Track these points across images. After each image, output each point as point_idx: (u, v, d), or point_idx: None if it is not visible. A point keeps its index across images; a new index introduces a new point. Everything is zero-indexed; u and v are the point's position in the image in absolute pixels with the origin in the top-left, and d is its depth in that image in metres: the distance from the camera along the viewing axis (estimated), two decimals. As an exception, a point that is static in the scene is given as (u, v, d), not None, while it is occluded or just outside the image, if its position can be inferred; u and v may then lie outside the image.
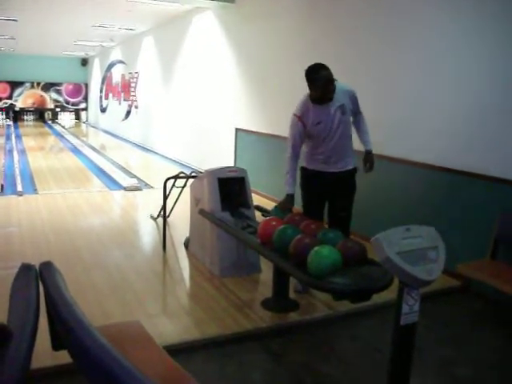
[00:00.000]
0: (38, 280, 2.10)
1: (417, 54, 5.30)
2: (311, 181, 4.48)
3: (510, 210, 4.40)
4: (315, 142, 4.33)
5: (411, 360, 2.72)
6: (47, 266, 2.16)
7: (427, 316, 3.12)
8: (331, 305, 4.09)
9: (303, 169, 4.51)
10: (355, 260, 3.27)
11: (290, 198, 4.34)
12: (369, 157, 4.43)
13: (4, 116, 25.16)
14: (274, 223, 3.81)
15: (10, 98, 25.26)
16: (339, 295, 3.10)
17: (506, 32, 4.40)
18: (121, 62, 19.09)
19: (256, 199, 5.75)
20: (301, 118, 4.23)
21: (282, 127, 7.59)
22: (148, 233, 6.60)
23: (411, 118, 5.39)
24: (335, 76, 4.14)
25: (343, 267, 3.16)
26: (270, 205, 6.54)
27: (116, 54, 19.80)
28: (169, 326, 3.86)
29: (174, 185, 6.16)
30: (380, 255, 2.58)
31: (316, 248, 3.20)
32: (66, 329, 1.84)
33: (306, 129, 4.24)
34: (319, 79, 4.10)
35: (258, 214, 5.02)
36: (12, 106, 25.40)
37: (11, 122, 24.32)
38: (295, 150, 4.31)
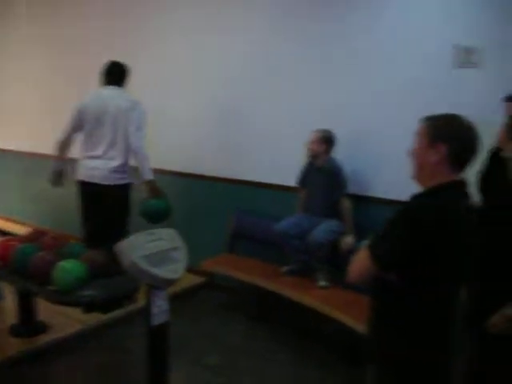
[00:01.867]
0: None
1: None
2: None
3: (240, 208, 4.86)
4: None
5: (167, 356, 2.84)
6: None
7: (177, 314, 3.27)
8: (83, 320, 4.00)
9: None
10: (102, 271, 3.26)
11: None
12: None
13: None
14: (11, 243, 3.59)
15: None
16: (88, 308, 3.07)
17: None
18: None
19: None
20: None
21: (13, 140, 7.20)
22: None
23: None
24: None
25: (90, 279, 3.13)
26: (5, 226, 6.13)
27: None
28: None
29: None
30: (125, 261, 2.65)
31: (60, 263, 3.11)
32: None
33: None
34: None
35: None
36: None
37: None
38: None
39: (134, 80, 4.56)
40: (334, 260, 4.04)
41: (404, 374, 1.81)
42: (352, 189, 4.10)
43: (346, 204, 4.06)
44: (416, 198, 1.76)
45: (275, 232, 4.21)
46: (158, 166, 5.41)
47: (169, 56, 5.33)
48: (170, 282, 2.75)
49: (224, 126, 4.97)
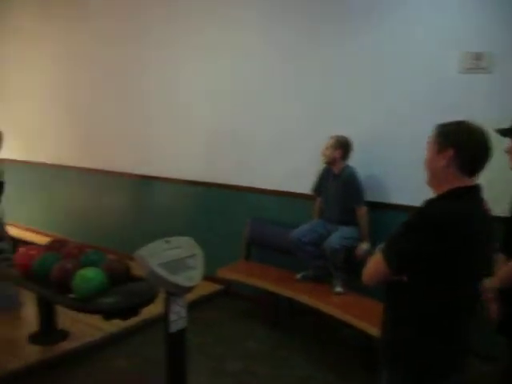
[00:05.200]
0: None
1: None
2: None
3: (256, 216, 4.90)
4: None
5: (185, 363, 2.88)
6: None
7: (195, 321, 3.32)
8: (102, 327, 4.06)
9: None
10: (121, 279, 3.32)
11: None
12: None
13: None
14: (32, 252, 3.65)
15: None
16: (108, 315, 3.12)
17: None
18: None
19: (12, 231, 5.41)
20: None
21: (33, 152, 7.32)
22: None
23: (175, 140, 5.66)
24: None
25: (110, 287, 3.19)
26: (27, 235, 6.24)
27: None
28: None
29: None
30: (144, 269, 2.70)
31: (80, 271, 3.17)
32: None
33: None
34: None
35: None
36: None
37: None
38: None
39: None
40: (350, 266, 4.06)
41: (418, 374, 1.83)
42: (367, 195, 4.12)
43: (362, 211, 4.08)
44: (431, 203, 1.78)
45: (290, 239, 4.24)
46: (175, 176, 5.52)
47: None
48: (187, 290, 2.79)
49: (238, 135, 5.02)
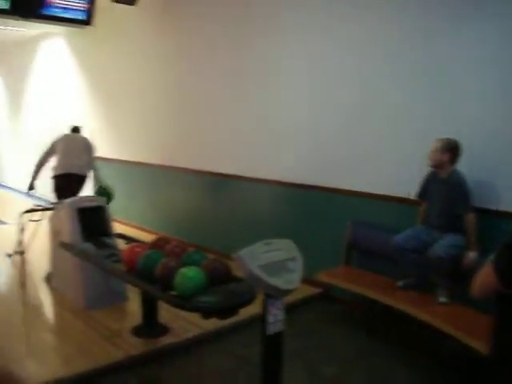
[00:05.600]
0: None
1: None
2: None
3: (357, 219, 4.79)
4: None
5: (281, 365, 2.87)
6: None
7: (293, 324, 3.30)
8: (201, 324, 4.14)
9: None
10: (220, 278, 3.37)
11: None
12: None
13: None
14: (138, 249, 3.81)
15: None
16: (207, 313, 3.17)
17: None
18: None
19: (118, 228, 5.67)
20: None
21: (141, 153, 7.64)
22: (3, 272, 6.21)
23: (275, 141, 5.69)
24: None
25: (209, 286, 3.24)
26: (132, 232, 6.50)
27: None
28: (36, 366, 3.68)
29: (30, 218, 5.88)
30: (243, 270, 2.71)
31: (181, 270, 3.25)
32: None
33: None
34: None
35: (121, 242, 4.94)
36: None
37: None
38: None
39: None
40: (456, 276, 3.87)
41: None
42: (475, 201, 3.91)
43: (470, 218, 3.87)
44: None
45: (392, 245, 4.11)
46: (276, 178, 5.53)
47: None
48: (286, 292, 2.77)
49: (342, 138, 4.94)
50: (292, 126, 5.38)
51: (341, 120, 4.95)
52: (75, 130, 6.74)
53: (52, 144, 6.43)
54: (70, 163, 6.31)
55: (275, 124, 5.56)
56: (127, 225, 7.69)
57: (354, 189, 4.84)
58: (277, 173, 5.56)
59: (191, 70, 6.61)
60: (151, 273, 3.47)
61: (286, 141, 5.45)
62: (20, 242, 5.60)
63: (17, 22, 7.57)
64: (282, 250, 2.86)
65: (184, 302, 3.17)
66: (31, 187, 6.39)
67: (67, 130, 6.74)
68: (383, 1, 4.53)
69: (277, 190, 5.58)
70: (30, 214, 5.79)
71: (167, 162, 7.13)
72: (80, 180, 6.45)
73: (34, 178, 6.36)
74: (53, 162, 6.45)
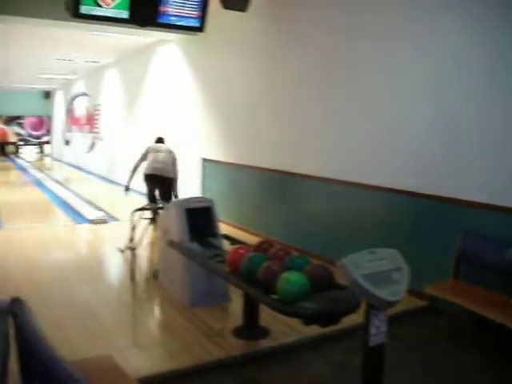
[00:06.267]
0: (8, 316, 2.09)
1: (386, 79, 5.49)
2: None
3: (469, 230, 4.55)
4: None
5: (382, 378, 2.78)
6: (17, 303, 2.16)
7: (395, 337, 3.19)
8: (301, 330, 4.12)
9: None
10: (323, 285, 3.33)
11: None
12: None
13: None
14: (242, 251, 3.86)
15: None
16: (308, 320, 3.15)
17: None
18: (84, 94, 19.04)
19: (224, 228, 5.79)
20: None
21: (249, 156, 7.76)
22: (116, 265, 6.55)
23: (379, 144, 5.56)
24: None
25: (312, 292, 3.22)
26: (237, 234, 6.62)
27: (79, 87, 19.74)
28: (140, 358, 3.84)
29: (141, 216, 6.18)
30: (346, 278, 2.67)
31: (284, 274, 3.26)
32: (37, 363, 1.84)
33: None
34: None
35: (226, 243, 5.04)
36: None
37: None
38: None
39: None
40: None
41: None
42: None
43: None
44: None
45: (507, 259, 3.88)
46: (382, 184, 5.39)
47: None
48: (390, 304, 2.69)
49: (450, 143, 4.73)
50: (404, 131, 5.22)
51: (435, 120, 4.76)
52: (160, 140, 8.18)
53: (146, 150, 7.80)
54: (155, 167, 7.57)
55: (382, 128, 5.43)
56: (233, 226, 7.85)
57: (465, 197, 4.59)
58: (383, 179, 5.41)
59: (305, 76, 6.59)
60: (254, 275, 3.51)
61: (395, 146, 5.30)
62: (131, 239, 5.88)
63: (135, 30, 8.04)
64: (387, 259, 2.79)
65: (286, 307, 3.16)
66: (127, 189, 7.72)
67: (154, 140, 8.19)
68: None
69: (384, 197, 5.42)
70: (141, 212, 6.07)
71: (274, 166, 7.19)
72: (166, 181, 7.59)
73: (130, 180, 7.68)
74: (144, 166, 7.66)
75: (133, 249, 5.80)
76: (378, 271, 2.69)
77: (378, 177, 5.49)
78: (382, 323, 2.73)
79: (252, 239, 6.10)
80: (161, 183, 7.67)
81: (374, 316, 2.69)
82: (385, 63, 5.38)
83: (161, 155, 7.72)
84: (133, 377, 2.65)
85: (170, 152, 7.88)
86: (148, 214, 6.63)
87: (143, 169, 7.77)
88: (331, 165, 6.18)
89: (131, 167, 7.76)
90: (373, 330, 2.70)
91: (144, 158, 7.79)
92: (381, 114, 5.47)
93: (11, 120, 25.72)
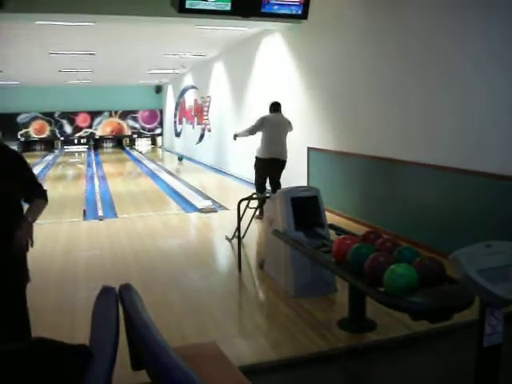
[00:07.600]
0: (118, 302, 2.16)
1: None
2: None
3: None
4: None
5: (496, 380, 2.60)
6: (126, 288, 2.22)
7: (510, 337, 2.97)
8: (409, 325, 3.96)
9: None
10: (433, 278, 3.17)
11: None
12: None
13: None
14: (348, 242, 3.77)
15: (90, 127, 26.52)
16: (418, 315, 3.01)
17: None
18: (193, 87, 19.59)
19: (330, 218, 5.70)
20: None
21: (354, 144, 7.60)
22: (223, 254, 6.67)
23: (490, 130, 5.21)
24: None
25: (420, 286, 3.08)
26: (344, 223, 6.50)
27: (188, 80, 20.34)
28: (245, 346, 3.88)
29: (247, 206, 6.23)
30: (459, 273, 2.50)
31: (392, 266, 3.13)
32: (145, 349, 1.88)
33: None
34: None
35: (332, 232, 4.96)
36: (92, 135, 26.64)
37: (91, 150, 25.46)
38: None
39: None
40: None
41: None
42: None
43: None
44: None
45: None
46: (501, 172, 5.06)
47: None
48: (507, 302, 2.50)
49: None
50: None
51: None
52: (276, 107, 7.61)
53: (262, 121, 7.39)
54: (274, 150, 7.16)
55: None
56: (339, 215, 7.74)
57: None
58: (501, 167, 5.07)
59: (410, 68, 6.34)
60: (360, 266, 3.41)
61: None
62: (238, 228, 5.95)
63: (239, 21, 8.18)
64: (506, 254, 2.58)
65: (395, 301, 3.05)
66: (235, 138, 8.23)
67: (269, 109, 7.69)
68: None
69: (499, 185, 5.07)
70: (248, 202, 6.13)
71: (380, 154, 6.98)
72: (282, 164, 7.15)
73: (241, 135, 7.99)
74: (260, 142, 7.51)
75: (240, 238, 5.87)
76: (494, 266, 2.50)
77: (493, 164, 5.14)
78: (498, 322, 2.54)
79: (359, 229, 5.98)
80: (278, 167, 7.25)
81: (490, 314, 2.51)
82: (501, 50, 5.02)
83: (280, 132, 7.19)
84: (236, 365, 2.66)
85: (289, 123, 7.38)
86: (255, 203, 6.66)
87: (257, 151, 7.48)
88: (442, 152, 5.87)
89: (247, 129, 7.85)
90: (488, 330, 2.52)
91: (259, 129, 7.38)
92: (491, 101, 5.12)
93: (126, 114, 27.07)
